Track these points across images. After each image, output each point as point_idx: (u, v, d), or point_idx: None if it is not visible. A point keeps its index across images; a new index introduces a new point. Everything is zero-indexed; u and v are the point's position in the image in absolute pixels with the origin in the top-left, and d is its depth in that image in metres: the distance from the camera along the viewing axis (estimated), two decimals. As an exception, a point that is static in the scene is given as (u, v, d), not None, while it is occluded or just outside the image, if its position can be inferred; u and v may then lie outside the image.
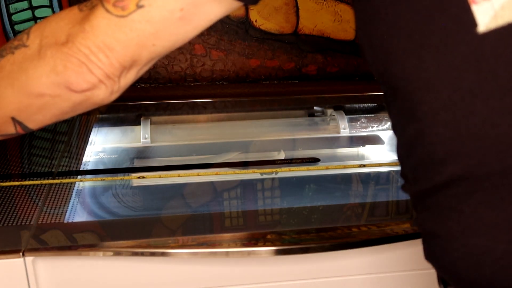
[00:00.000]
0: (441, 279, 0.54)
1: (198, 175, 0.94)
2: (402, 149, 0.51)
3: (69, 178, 0.89)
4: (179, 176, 0.94)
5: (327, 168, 0.98)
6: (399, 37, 0.45)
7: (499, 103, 0.42)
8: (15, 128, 0.52)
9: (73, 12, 0.49)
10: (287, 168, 0.97)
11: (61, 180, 0.87)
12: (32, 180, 0.87)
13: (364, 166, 0.99)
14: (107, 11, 0.47)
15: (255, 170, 0.95)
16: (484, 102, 0.43)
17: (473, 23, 0.42)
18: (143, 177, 0.92)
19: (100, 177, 0.92)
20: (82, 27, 0.47)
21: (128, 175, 0.95)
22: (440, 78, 0.44)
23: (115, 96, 0.51)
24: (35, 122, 0.52)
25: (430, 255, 0.52)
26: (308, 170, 0.98)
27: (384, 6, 0.45)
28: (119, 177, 0.93)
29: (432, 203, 0.48)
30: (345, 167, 0.99)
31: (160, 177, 0.94)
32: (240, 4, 0.48)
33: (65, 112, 0.51)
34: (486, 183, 0.44)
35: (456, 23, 0.42)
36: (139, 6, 0.46)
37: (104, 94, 0.49)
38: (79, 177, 0.90)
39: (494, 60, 0.42)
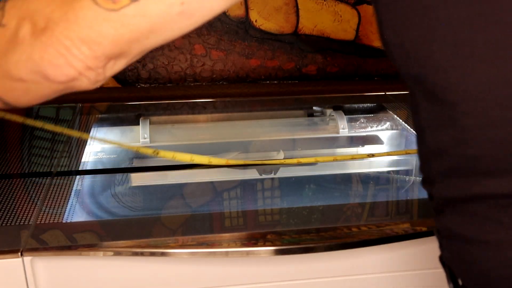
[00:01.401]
0: (451, 279, 0.53)
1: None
2: (429, 152, 0.49)
3: (68, 178, 0.89)
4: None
5: (335, 160, 0.97)
6: (440, 44, 0.42)
7: None
8: (5, 105, 0.50)
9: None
10: (295, 160, 0.96)
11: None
12: (31, 179, 0.87)
13: (372, 155, 0.98)
14: (95, 3, 0.42)
15: (265, 161, 0.94)
16: None
17: None
18: (157, 153, 0.89)
19: (99, 177, 0.92)
20: (65, 15, 0.42)
21: (128, 175, 0.95)
22: (492, 93, 0.41)
23: (99, 84, 0.47)
24: (22, 102, 0.50)
25: (452, 258, 0.50)
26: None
27: (420, 9, 0.42)
28: (135, 147, 0.93)
29: (465, 209, 0.47)
30: (353, 157, 0.99)
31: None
32: None
33: (49, 96, 0.49)
34: None
35: None
36: (132, 0, 0.42)
37: (86, 84, 0.46)
38: (78, 177, 0.90)
39: None
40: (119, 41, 0.43)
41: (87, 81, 0.46)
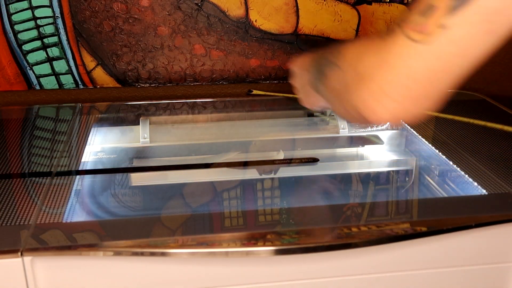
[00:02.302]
0: None
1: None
2: None
3: (68, 178, 0.89)
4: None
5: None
6: None
7: None
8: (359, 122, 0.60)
9: (373, 41, 0.48)
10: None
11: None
12: (31, 179, 0.87)
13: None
14: (408, 37, 0.43)
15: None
16: None
17: None
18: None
19: (99, 177, 0.92)
20: (381, 58, 0.46)
21: (128, 175, 0.95)
22: None
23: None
24: (356, 121, 0.60)
25: None
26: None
27: None
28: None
29: None
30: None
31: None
32: None
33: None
34: None
35: None
36: (442, 27, 0.41)
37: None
38: (78, 177, 0.90)
39: None
40: (432, 77, 0.44)
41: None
